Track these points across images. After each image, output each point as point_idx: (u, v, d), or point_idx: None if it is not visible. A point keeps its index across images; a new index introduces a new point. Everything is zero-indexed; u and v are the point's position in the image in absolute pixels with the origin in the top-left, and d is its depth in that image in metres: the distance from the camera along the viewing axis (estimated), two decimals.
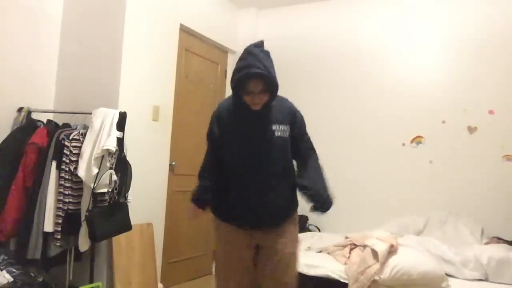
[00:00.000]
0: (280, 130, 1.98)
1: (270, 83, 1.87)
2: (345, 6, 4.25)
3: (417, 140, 3.83)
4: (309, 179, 2.02)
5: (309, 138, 2.17)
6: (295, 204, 2.14)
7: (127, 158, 2.83)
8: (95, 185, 2.57)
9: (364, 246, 2.97)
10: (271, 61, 1.91)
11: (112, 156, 2.66)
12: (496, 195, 3.47)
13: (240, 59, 1.91)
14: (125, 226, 2.78)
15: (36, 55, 3.15)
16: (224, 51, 4.45)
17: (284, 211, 2.08)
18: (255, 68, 1.82)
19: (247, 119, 1.98)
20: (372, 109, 4.02)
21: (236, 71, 1.89)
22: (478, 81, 3.63)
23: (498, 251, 2.91)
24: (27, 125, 2.87)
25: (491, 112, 3.57)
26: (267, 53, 1.91)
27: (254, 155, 1.98)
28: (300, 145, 2.10)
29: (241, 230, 2.05)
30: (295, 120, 2.06)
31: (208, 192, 2.09)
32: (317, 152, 2.18)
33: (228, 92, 4.46)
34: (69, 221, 2.63)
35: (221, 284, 2.15)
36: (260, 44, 1.92)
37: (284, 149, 2.02)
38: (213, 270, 2.25)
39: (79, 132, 2.75)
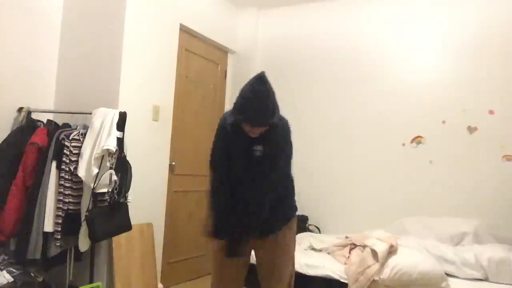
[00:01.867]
0: (259, 150, 1.96)
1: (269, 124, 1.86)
2: (345, 6, 4.25)
3: (417, 140, 3.83)
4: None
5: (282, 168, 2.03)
6: (288, 212, 2.16)
7: (127, 158, 2.83)
8: (95, 185, 2.57)
9: (364, 246, 2.97)
10: (274, 99, 1.84)
11: (112, 156, 2.66)
12: (496, 195, 3.47)
13: (244, 96, 1.82)
14: (125, 226, 2.77)
15: (36, 55, 3.15)
16: (224, 51, 4.45)
17: (276, 221, 2.09)
18: (258, 120, 1.82)
19: (244, 138, 1.96)
20: (372, 109, 4.02)
21: (239, 108, 1.82)
22: (478, 81, 3.63)
23: (498, 251, 2.91)
24: (27, 125, 2.87)
25: (491, 112, 3.57)
26: (271, 92, 1.83)
27: (247, 171, 1.98)
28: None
29: None
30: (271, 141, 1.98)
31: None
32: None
33: (228, 92, 4.48)
34: (69, 221, 2.63)
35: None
36: (263, 81, 1.82)
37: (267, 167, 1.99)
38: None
39: (79, 132, 2.75)
